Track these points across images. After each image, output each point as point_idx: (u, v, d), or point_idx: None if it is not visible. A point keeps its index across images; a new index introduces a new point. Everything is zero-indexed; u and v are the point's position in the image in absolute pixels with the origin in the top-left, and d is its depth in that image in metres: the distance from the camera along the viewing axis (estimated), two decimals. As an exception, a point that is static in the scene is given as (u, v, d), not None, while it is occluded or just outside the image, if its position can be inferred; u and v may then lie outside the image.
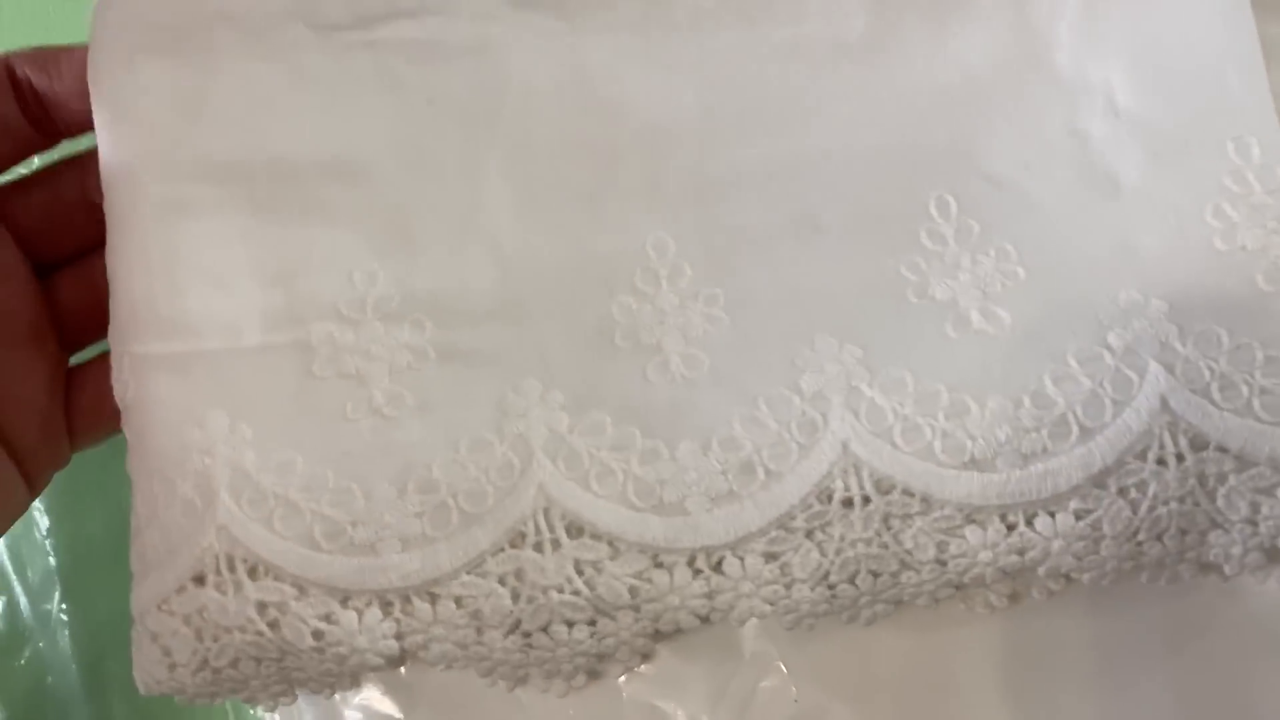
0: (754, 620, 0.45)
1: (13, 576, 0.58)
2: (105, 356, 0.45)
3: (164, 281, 0.42)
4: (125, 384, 0.42)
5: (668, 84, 0.44)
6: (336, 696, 0.48)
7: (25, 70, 0.43)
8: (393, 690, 0.48)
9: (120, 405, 0.42)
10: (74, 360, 0.48)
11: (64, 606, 0.57)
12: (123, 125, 0.42)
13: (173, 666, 0.41)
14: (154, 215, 0.42)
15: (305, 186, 0.43)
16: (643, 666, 0.47)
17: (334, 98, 0.43)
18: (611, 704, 0.47)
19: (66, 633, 0.57)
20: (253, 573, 0.40)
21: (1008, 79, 0.44)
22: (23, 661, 0.57)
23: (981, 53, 0.44)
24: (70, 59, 0.43)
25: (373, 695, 0.48)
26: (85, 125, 0.43)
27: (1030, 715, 0.46)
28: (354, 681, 0.45)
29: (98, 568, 0.58)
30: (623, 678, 0.47)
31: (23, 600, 0.58)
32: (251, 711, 0.54)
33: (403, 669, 0.47)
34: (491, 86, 0.44)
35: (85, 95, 0.42)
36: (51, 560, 0.58)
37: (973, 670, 0.46)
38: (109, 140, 0.42)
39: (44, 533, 0.58)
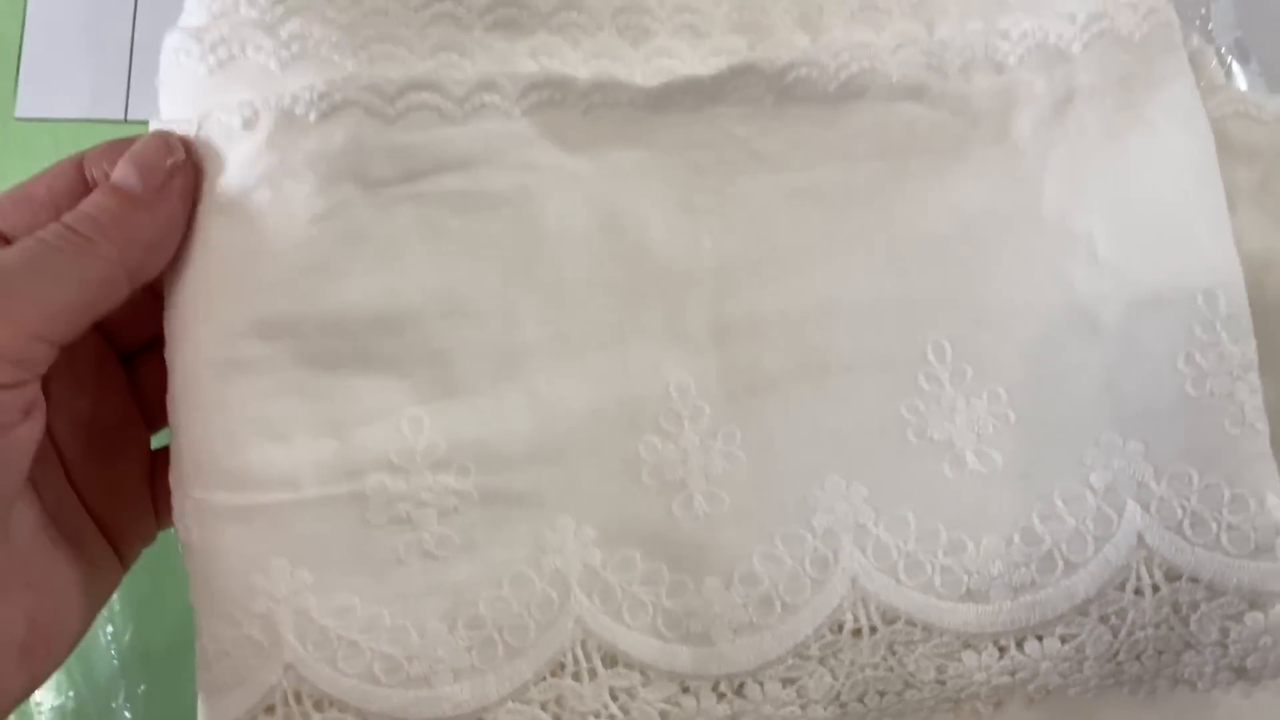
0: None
1: (79, 677, 0.61)
2: None
3: (222, 435, 0.42)
4: (189, 527, 0.43)
5: (690, 228, 0.46)
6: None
7: (105, 167, 0.44)
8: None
9: (183, 543, 0.43)
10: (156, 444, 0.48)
11: (128, 705, 0.60)
12: (183, 283, 0.43)
13: None
14: (211, 373, 0.42)
15: (353, 339, 0.43)
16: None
17: (381, 253, 0.43)
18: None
19: None
20: (318, 705, 0.42)
21: (1001, 228, 0.46)
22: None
23: (978, 202, 0.46)
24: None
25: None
26: None
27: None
28: None
29: (158, 670, 0.61)
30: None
31: (89, 699, 0.61)
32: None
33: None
34: (529, 233, 0.45)
35: None
36: (115, 662, 0.61)
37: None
38: (170, 296, 0.43)
39: (108, 638, 0.61)
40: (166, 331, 0.43)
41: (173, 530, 0.46)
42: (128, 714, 0.60)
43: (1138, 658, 0.44)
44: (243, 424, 0.43)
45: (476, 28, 0.45)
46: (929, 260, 0.46)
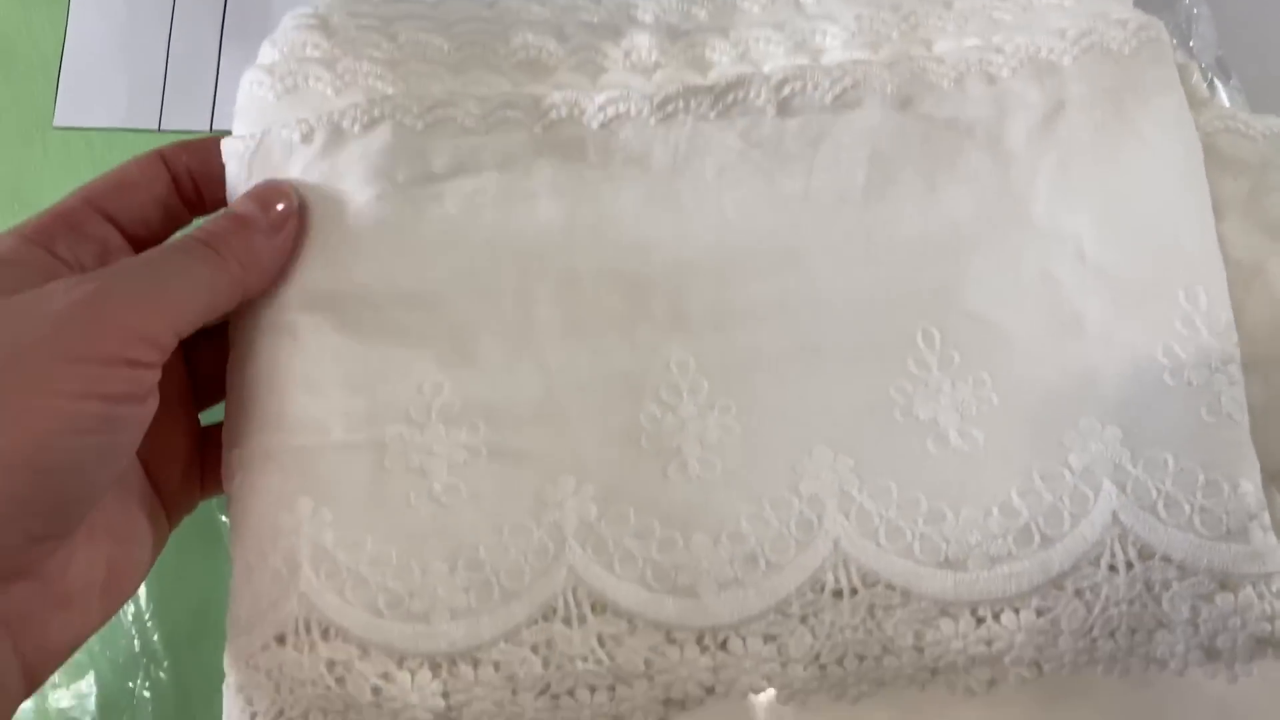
0: (767, 705, 0.51)
1: (102, 657, 0.64)
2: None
3: (267, 387, 0.49)
4: (232, 477, 0.49)
5: (692, 226, 0.51)
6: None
7: (184, 158, 0.52)
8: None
9: (228, 495, 0.49)
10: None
11: (146, 684, 0.64)
12: None
13: (254, 715, 0.46)
14: (263, 337, 0.49)
15: (384, 313, 0.49)
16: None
17: (409, 240, 0.50)
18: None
19: (150, 708, 0.64)
20: (325, 634, 0.46)
21: (990, 228, 0.50)
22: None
23: (967, 205, 0.51)
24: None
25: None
26: (222, 204, 0.51)
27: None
28: None
29: (177, 653, 0.64)
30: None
31: (109, 679, 0.65)
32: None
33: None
34: (543, 228, 0.51)
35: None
36: (135, 643, 0.64)
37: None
38: None
39: (129, 620, 0.64)
40: None
41: (193, 521, 0.52)
42: (146, 694, 0.64)
43: (1111, 635, 0.47)
44: (285, 378, 0.49)
45: (504, 66, 0.53)
46: (920, 256, 0.50)
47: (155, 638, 0.65)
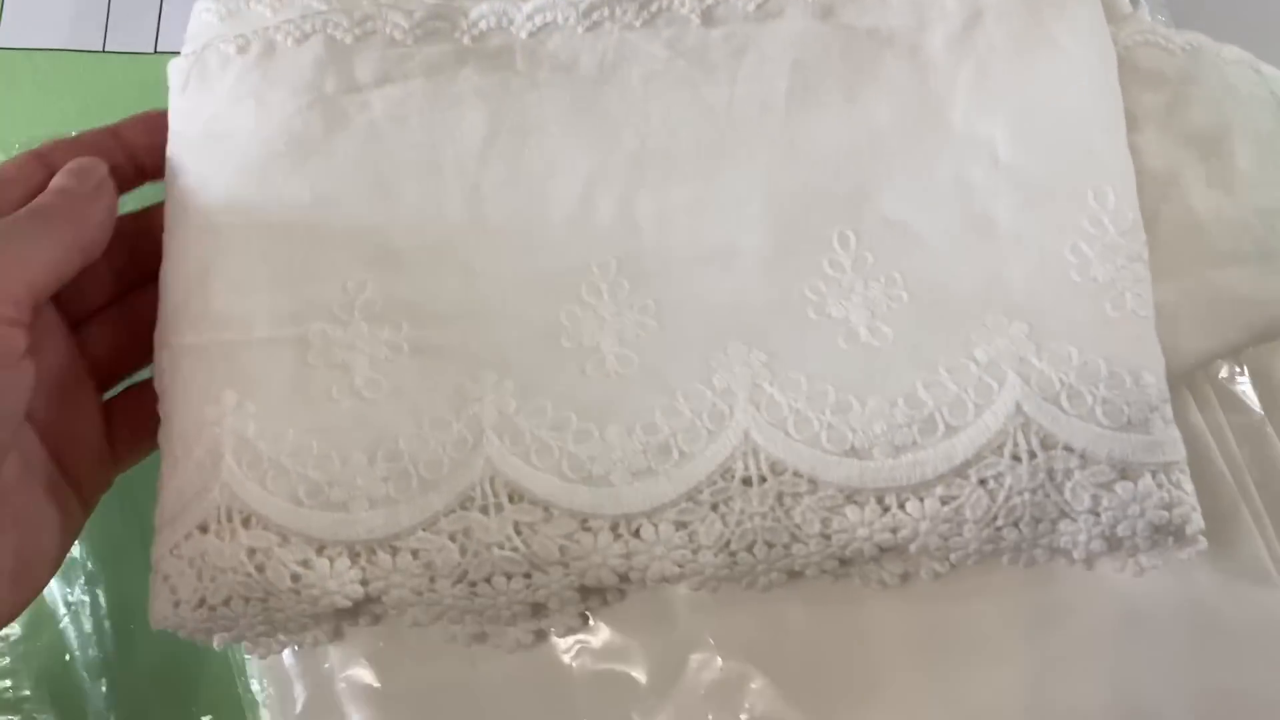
0: (686, 598, 0.53)
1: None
2: (129, 393, 0.55)
3: (197, 288, 0.51)
4: (162, 372, 0.51)
5: (617, 132, 0.53)
6: (326, 665, 0.57)
7: (61, 155, 0.54)
8: (375, 664, 0.57)
9: (158, 391, 0.51)
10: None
11: (86, 588, 0.66)
12: (185, 173, 0.53)
13: (177, 604, 0.49)
14: (192, 240, 0.52)
15: (310, 214, 0.52)
16: (589, 640, 0.55)
17: (336, 146, 0.53)
18: (564, 673, 0.55)
19: (87, 613, 0.66)
20: (246, 522, 0.48)
21: (908, 135, 0.52)
22: (46, 641, 0.65)
23: (886, 113, 0.53)
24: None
25: (357, 668, 0.57)
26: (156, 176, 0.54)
27: (919, 676, 0.54)
28: (336, 633, 0.53)
29: (116, 560, 0.66)
30: (573, 649, 0.55)
31: (48, 586, 0.67)
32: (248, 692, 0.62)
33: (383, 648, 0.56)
34: (466, 134, 0.53)
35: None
36: (76, 551, 0.66)
37: (871, 641, 0.55)
38: (172, 186, 0.53)
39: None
40: (165, 212, 0.53)
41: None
42: (85, 598, 0.66)
43: (1015, 524, 0.48)
44: (213, 279, 0.51)
45: None
46: (841, 164, 0.52)
47: (92, 547, 0.67)
